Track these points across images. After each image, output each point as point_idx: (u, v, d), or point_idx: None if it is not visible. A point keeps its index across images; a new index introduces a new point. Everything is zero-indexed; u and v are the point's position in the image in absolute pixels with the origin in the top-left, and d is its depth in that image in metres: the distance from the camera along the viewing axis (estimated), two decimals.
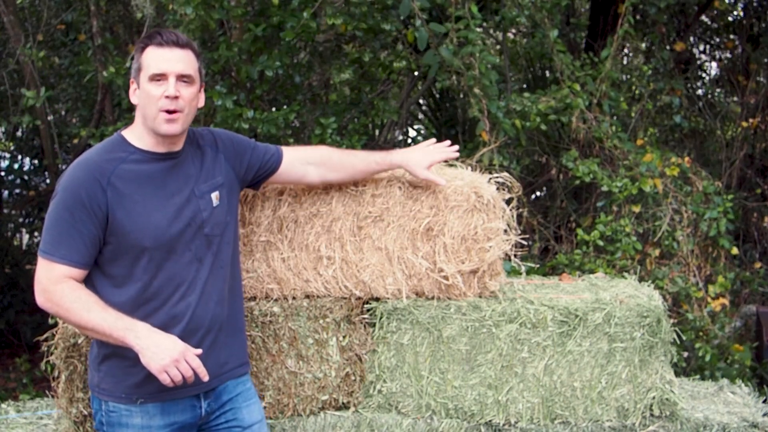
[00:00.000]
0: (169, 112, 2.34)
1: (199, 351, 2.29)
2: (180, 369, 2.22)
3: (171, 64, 2.34)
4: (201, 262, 2.41)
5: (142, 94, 2.37)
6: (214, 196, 2.46)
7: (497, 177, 3.03)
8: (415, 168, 2.79)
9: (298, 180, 2.79)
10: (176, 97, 2.34)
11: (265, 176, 2.70)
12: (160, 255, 2.34)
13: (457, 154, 2.85)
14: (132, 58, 2.50)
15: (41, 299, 2.31)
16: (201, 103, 2.47)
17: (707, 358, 4.45)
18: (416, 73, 5.76)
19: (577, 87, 4.86)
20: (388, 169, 2.85)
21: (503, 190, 3.00)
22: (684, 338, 4.42)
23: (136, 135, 2.41)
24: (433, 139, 2.91)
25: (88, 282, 2.35)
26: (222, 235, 2.48)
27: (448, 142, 2.87)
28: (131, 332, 2.23)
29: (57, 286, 2.28)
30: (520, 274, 3.36)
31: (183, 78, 2.35)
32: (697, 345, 4.53)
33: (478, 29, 4.56)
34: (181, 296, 2.37)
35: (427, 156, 2.82)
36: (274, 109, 5.04)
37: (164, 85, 2.33)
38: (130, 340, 2.23)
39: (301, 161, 2.74)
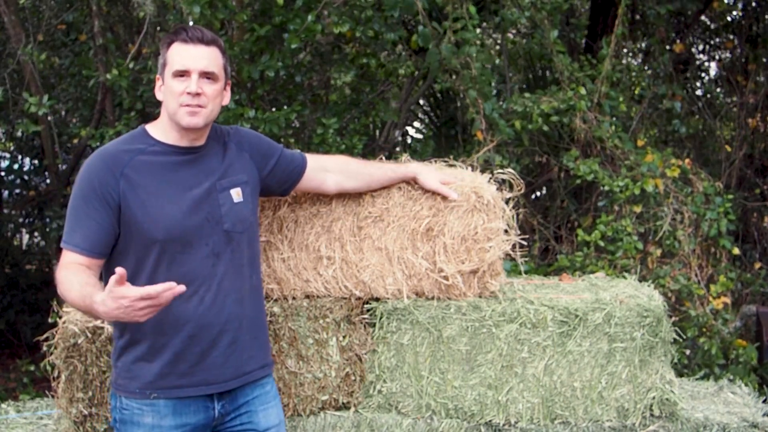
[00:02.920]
0: (189, 106, 2.35)
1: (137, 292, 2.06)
2: (146, 306, 2.06)
3: (194, 61, 2.34)
4: (218, 257, 2.39)
5: (166, 89, 2.38)
6: (235, 192, 2.45)
7: (502, 173, 3.03)
8: (427, 178, 2.85)
9: (316, 188, 2.79)
10: (198, 94, 2.34)
11: (291, 184, 2.70)
12: (174, 248, 2.33)
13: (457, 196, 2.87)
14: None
15: (58, 289, 2.31)
16: (226, 100, 2.48)
17: (713, 350, 4.46)
18: (416, 73, 5.77)
19: (582, 90, 4.87)
20: (403, 179, 2.88)
21: (505, 188, 3.00)
22: (687, 335, 4.44)
23: (159, 129, 2.42)
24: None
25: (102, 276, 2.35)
26: (244, 232, 2.46)
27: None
28: (95, 312, 2.13)
29: (61, 272, 2.28)
30: (520, 273, 3.37)
31: (206, 75, 2.36)
32: (701, 340, 4.55)
33: (477, 30, 4.57)
34: (193, 291, 2.35)
35: (438, 176, 2.88)
36: (274, 109, 5.04)
37: (187, 81, 2.35)
38: (98, 317, 2.16)
39: (321, 169, 2.75)
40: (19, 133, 7.44)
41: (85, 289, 2.18)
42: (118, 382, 2.42)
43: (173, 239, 2.33)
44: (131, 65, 4.87)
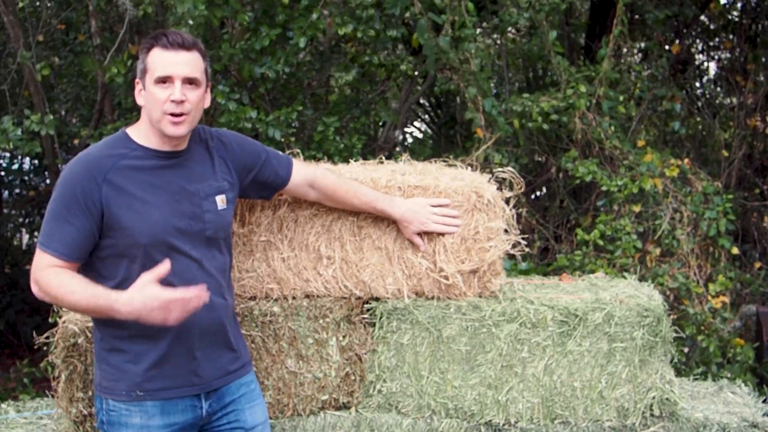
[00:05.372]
0: (174, 115, 2.33)
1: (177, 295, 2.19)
2: (176, 309, 2.18)
3: (177, 68, 2.32)
4: (201, 262, 2.40)
5: (148, 95, 2.35)
6: (220, 199, 2.45)
7: (502, 171, 3.03)
8: (407, 228, 2.82)
9: (298, 197, 2.81)
10: (182, 102, 2.32)
11: (269, 193, 2.71)
12: (158, 253, 2.33)
13: (457, 229, 2.83)
14: (132, 58, 2.48)
15: (34, 289, 2.33)
16: (207, 103, 2.46)
17: (711, 348, 4.46)
18: (416, 73, 5.77)
19: (582, 87, 4.87)
20: (384, 215, 2.84)
21: (506, 187, 3.00)
22: (686, 333, 4.44)
23: (141, 133, 2.40)
24: (447, 200, 2.85)
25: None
26: (224, 238, 2.49)
27: (456, 212, 2.84)
28: (113, 311, 2.20)
29: (43, 272, 2.29)
30: (520, 271, 3.37)
31: (189, 81, 2.34)
32: (700, 338, 4.55)
33: (478, 30, 4.58)
34: None
35: (424, 223, 2.81)
36: (274, 108, 5.05)
37: (170, 88, 2.32)
38: (118, 317, 2.22)
39: (306, 182, 2.72)
40: (19, 132, 7.43)
41: (93, 289, 2.23)
42: (104, 385, 2.42)
43: (158, 244, 2.33)
44: (128, 63, 4.86)
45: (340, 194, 2.77)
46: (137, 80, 2.40)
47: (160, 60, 2.32)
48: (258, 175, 2.61)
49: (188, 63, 2.34)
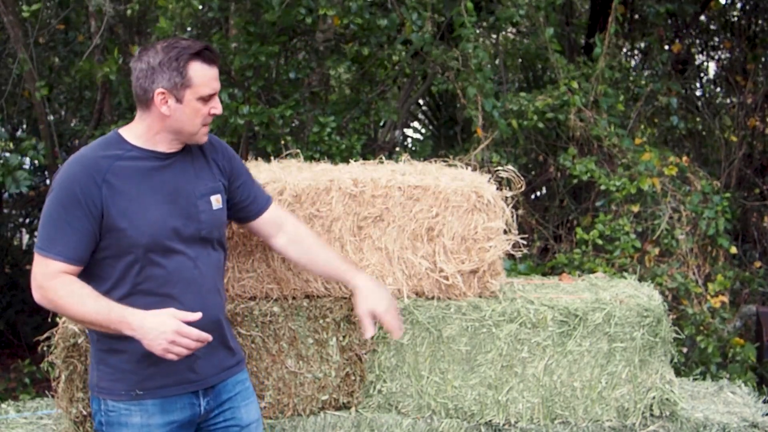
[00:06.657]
0: (206, 126, 2.41)
1: (195, 333, 2.26)
2: (181, 344, 2.23)
3: (217, 84, 2.39)
4: (197, 261, 2.41)
5: (187, 110, 2.34)
6: (215, 199, 2.46)
7: (503, 169, 3.04)
8: (360, 303, 2.59)
9: (263, 238, 2.71)
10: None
11: (241, 217, 2.64)
12: (156, 253, 2.33)
13: (397, 337, 2.73)
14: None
15: (37, 296, 2.32)
16: None
17: (710, 349, 4.46)
18: (416, 72, 5.77)
19: (575, 84, 4.87)
20: (343, 283, 2.76)
21: (505, 187, 3.00)
22: (685, 333, 4.44)
23: (136, 134, 2.39)
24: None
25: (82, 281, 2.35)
26: (219, 238, 2.49)
27: (401, 333, 2.68)
28: (125, 324, 2.23)
29: (50, 282, 2.28)
30: (519, 271, 3.37)
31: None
32: (699, 338, 4.55)
33: (477, 30, 4.59)
34: (176, 296, 2.36)
35: (380, 307, 2.58)
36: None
37: (210, 102, 2.37)
38: (126, 331, 2.24)
39: (277, 225, 2.65)
40: (19, 133, 7.43)
41: (106, 301, 2.26)
42: (101, 386, 2.42)
43: (156, 244, 2.33)
44: (119, 60, 4.87)
45: (307, 247, 2.65)
46: (164, 90, 2.32)
47: (206, 77, 2.35)
48: (241, 187, 2.59)
49: (218, 77, 2.41)
